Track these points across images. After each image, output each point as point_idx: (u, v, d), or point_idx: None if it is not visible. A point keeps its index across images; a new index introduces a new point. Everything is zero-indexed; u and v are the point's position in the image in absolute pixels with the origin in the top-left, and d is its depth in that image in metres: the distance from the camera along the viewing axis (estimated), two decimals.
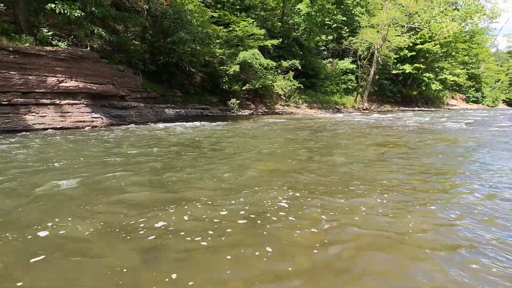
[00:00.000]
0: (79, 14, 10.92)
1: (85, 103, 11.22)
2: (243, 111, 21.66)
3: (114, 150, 6.12)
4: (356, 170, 4.42)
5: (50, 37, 11.33)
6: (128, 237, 2.27)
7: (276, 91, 23.74)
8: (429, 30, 30.87)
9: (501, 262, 1.97)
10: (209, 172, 4.24)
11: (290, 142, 7.57)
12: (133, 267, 1.89)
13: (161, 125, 11.98)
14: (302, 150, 6.19)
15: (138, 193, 3.30)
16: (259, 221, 2.57)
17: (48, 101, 10.25)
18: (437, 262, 1.97)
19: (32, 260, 1.95)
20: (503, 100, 57.40)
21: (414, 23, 30.67)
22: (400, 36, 29.80)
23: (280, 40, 24.30)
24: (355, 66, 32.92)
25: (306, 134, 9.43)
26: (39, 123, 9.80)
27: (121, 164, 4.78)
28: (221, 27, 20.39)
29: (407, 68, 33.78)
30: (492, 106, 52.63)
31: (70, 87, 10.70)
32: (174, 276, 1.80)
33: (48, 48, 10.53)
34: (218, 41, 20.06)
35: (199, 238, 2.26)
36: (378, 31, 29.10)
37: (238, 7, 24.63)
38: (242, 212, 2.76)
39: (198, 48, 18.25)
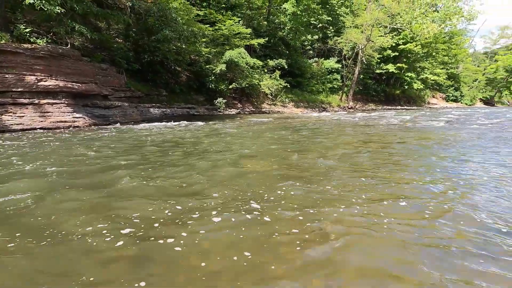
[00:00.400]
0: (59, 11, 10.55)
1: (66, 102, 10.88)
2: (230, 110, 21.60)
3: (81, 151, 5.96)
4: (336, 167, 4.51)
5: (28, 34, 10.91)
6: None
7: (262, 90, 23.81)
8: (410, 31, 31.80)
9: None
10: (184, 172, 4.22)
11: (275, 141, 7.62)
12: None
13: (145, 125, 11.78)
14: (286, 149, 6.26)
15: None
16: (233, 219, 2.59)
17: (26, 101, 9.87)
18: (414, 255, 2.06)
19: None
20: (480, 99, 59.85)
21: (396, 24, 31.48)
22: (383, 36, 30.53)
23: (266, 39, 24.36)
24: (340, 65, 33.48)
25: (291, 133, 9.52)
26: (17, 124, 9.42)
27: (86, 170, 4.37)
28: (207, 25, 20.22)
29: (390, 67, 34.69)
30: (470, 105, 54.77)
31: (50, 86, 10.34)
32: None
33: (26, 45, 10.13)
34: (204, 39, 19.88)
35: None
36: (362, 31, 29.70)
37: (224, 5, 24.49)
38: (215, 212, 2.76)
39: (184, 46, 18.03)
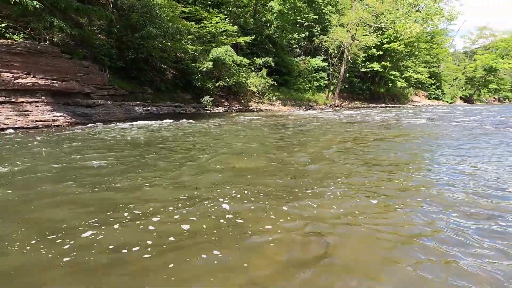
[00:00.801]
0: (37, 5, 10.14)
1: (46, 101, 10.51)
2: (217, 108, 21.46)
3: (49, 151, 5.80)
4: (318, 166, 4.57)
5: (3, 29, 10.44)
6: None
7: (250, 88, 23.75)
8: (394, 30, 32.53)
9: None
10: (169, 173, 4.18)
11: (261, 139, 7.64)
12: None
13: (129, 124, 11.53)
14: (271, 147, 6.28)
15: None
16: (223, 221, 2.59)
17: (2, 99, 9.46)
18: (399, 251, 2.12)
19: None
20: (460, 96, 61.90)
21: (380, 23, 32.13)
22: (368, 35, 31.04)
23: (253, 37, 24.29)
24: (326, 64, 33.81)
25: (277, 131, 9.56)
26: None
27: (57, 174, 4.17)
28: (193, 22, 19.95)
29: (375, 66, 35.33)
30: (451, 103, 56.56)
31: (28, 84, 9.95)
32: None
33: (2, 41, 9.70)
34: (189, 37, 19.63)
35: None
36: (347, 30, 30.08)
37: (210, 2, 24.22)
38: (177, 217, 2.75)
39: (169, 44, 17.74)
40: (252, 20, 26.29)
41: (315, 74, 34.03)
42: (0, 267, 1.87)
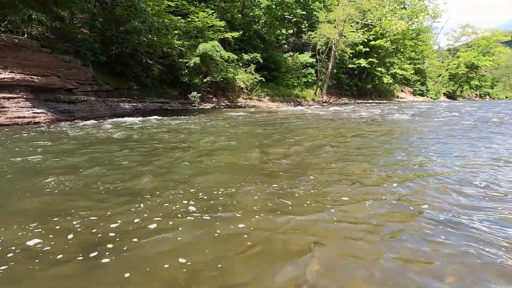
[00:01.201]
0: None
1: (25, 97, 10.14)
2: (205, 104, 21.27)
3: (20, 150, 5.64)
4: (304, 161, 4.62)
5: None
6: None
7: (238, 84, 23.64)
8: (380, 27, 32.98)
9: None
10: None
11: (248, 135, 7.63)
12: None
13: (114, 120, 11.28)
14: (258, 144, 6.29)
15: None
16: (206, 217, 2.58)
17: None
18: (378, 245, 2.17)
19: None
20: (444, 93, 63.68)
21: (367, 20, 32.48)
22: (355, 32, 31.38)
23: (241, 32, 24.11)
24: (314, 60, 34.01)
25: (264, 127, 9.57)
26: None
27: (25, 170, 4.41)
28: (179, 17, 19.59)
29: (362, 62, 35.81)
30: (435, 99, 58.11)
31: (5, 79, 9.56)
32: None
33: None
34: (176, 32, 19.28)
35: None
36: (335, 27, 30.31)
37: None
38: (153, 225, 2.73)
39: (155, 38, 17.39)
40: (240, 15, 26.06)
41: (303, 70, 34.19)
42: None
